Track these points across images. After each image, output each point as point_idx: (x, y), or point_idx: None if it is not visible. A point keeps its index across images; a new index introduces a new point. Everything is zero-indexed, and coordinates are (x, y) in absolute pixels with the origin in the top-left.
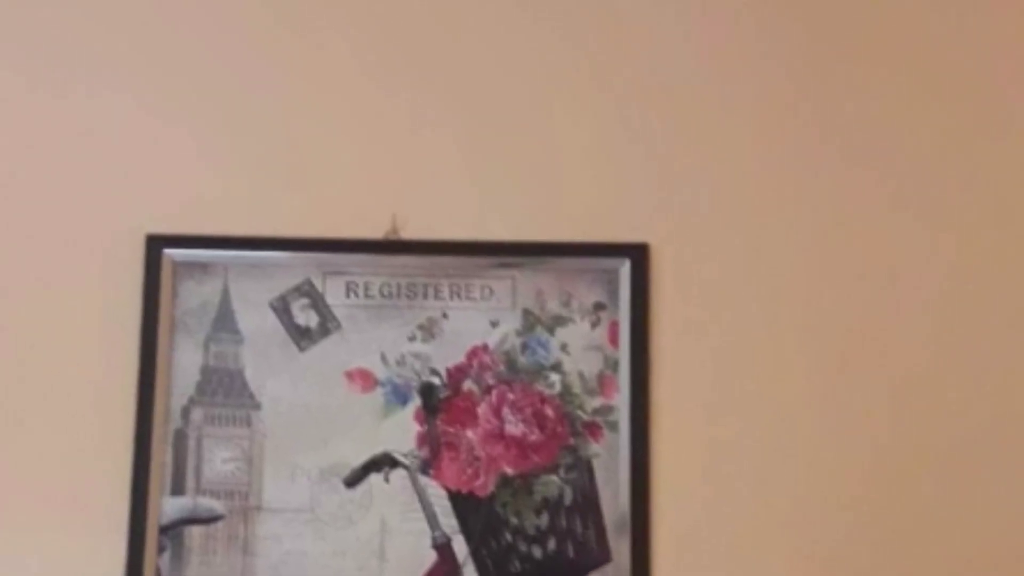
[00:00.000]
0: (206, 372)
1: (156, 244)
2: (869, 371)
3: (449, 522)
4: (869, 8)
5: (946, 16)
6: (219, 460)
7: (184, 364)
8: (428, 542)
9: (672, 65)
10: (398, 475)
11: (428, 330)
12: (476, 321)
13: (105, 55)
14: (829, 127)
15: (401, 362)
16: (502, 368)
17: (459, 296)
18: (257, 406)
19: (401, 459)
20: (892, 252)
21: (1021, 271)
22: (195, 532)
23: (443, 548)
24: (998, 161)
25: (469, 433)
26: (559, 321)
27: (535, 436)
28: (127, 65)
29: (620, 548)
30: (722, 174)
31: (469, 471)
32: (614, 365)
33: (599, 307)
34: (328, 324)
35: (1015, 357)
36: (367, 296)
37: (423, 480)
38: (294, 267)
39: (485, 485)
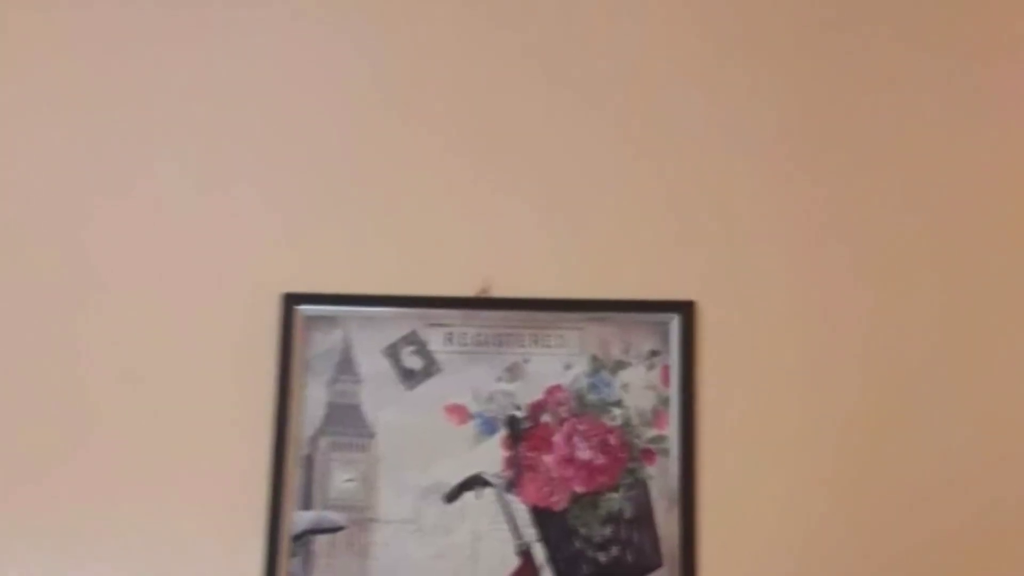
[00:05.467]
0: (331, 407)
1: (290, 301)
2: (851, 401)
3: (529, 532)
4: (860, 121)
5: (928, 126)
6: (341, 480)
7: (312, 400)
8: (512, 548)
9: (717, 164)
10: (488, 492)
11: (513, 372)
12: (552, 365)
13: (251, 153)
14: (831, 226)
15: (490, 399)
16: (574, 404)
17: (538, 344)
18: (372, 435)
19: (490, 479)
20: (868, 316)
21: (962, 326)
22: (321, 540)
23: (525, 554)
24: (955, 243)
25: (546, 458)
26: (620, 365)
27: (601, 460)
28: (268, 160)
29: (671, 555)
30: (753, 248)
31: (546, 489)
32: (666, 402)
33: (654, 353)
34: (430, 367)
35: (952, 377)
36: (462, 344)
37: (508, 497)
38: (403, 320)
39: (560, 501)
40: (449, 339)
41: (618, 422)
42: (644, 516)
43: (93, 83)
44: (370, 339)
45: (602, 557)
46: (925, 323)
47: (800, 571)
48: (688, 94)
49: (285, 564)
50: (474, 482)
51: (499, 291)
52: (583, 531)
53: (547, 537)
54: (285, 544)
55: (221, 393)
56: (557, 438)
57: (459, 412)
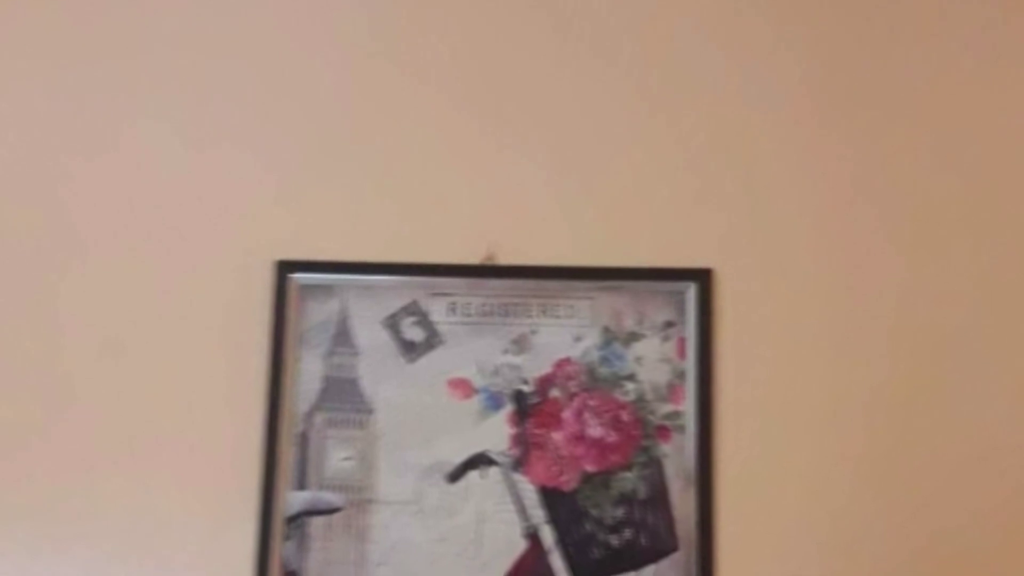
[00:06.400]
0: (327, 381)
1: (284, 269)
2: (879, 375)
3: (537, 513)
4: (889, 75)
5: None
6: (337, 458)
7: (308, 374)
8: (519, 531)
9: (737, 121)
10: (493, 472)
11: (520, 344)
12: (561, 336)
13: (242, 109)
14: (859, 187)
15: (496, 372)
16: (584, 378)
17: (547, 314)
18: (371, 411)
19: (496, 458)
20: (899, 284)
21: (998, 293)
22: (316, 522)
23: (532, 536)
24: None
25: (555, 435)
26: (634, 337)
27: (612, 438)
28: (260, 117)
29: (687, 538)
30: (775, 211)
31: (555, 468)
32: (681, 375)
33: (669, 324)
34: (432, 339)
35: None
36: (467, 314)
37: (515, 476)
38: (404, 289)
39: (569, 481)
40: (452, 309)
41: (631, 397)
42: (659, 496)
43: (74, 33)
44: (369, 309)
45: (614, 540)
46: (959, 290)
47: (824, 554)
48: (706, 45)
49: (278, 547)
50: (479, 461)
51: (505, 258)
52: (594, 512)
53: (556, 519)
54: (278, 526)
55: (210, 366)
56: (566, 414)
57: (463, 387)
